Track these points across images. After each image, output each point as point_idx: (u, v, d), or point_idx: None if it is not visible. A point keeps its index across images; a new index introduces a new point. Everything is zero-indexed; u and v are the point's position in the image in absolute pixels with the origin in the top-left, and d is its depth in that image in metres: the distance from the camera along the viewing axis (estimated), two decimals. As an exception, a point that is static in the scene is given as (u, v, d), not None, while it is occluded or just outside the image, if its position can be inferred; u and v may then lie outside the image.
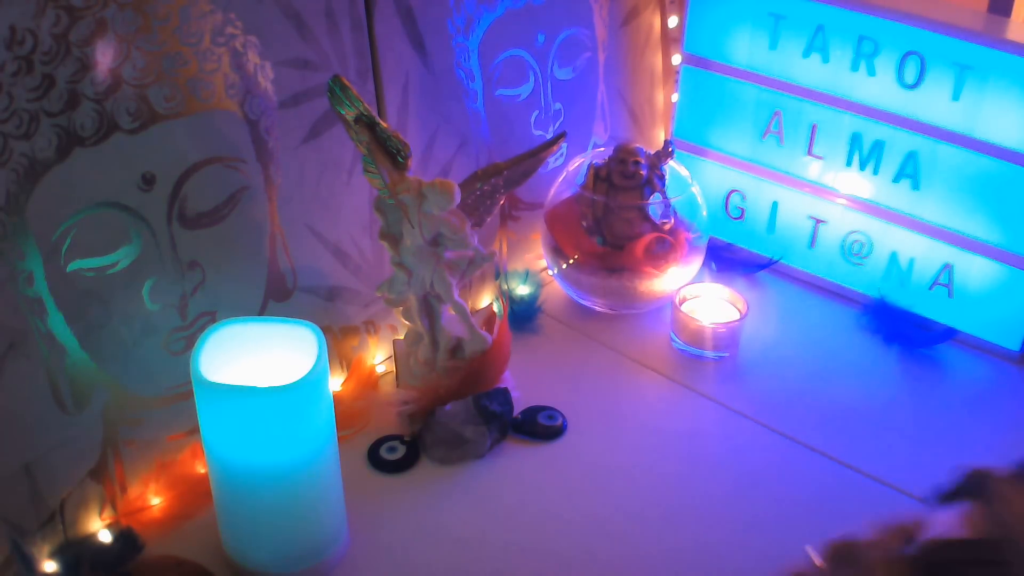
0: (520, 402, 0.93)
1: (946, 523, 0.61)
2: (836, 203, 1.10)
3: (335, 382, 0.95)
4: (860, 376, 1.01)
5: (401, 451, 0.89)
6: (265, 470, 0.71)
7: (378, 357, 1.00)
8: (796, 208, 1.14)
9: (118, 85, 0.71)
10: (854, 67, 1.04)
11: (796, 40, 1.07)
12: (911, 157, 1.03)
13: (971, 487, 0.61)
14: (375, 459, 0.88)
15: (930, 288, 1.06)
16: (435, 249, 0.86)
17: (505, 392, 0.92)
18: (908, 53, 0.99)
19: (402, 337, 0.97)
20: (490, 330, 0.93)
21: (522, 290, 1.10)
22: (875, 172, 1.06)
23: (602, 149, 1.10)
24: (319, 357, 0.70)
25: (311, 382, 0.69)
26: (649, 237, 1.05)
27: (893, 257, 1.08)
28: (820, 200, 1.12)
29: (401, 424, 0.92)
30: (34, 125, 0.67)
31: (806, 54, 1.07)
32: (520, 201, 1.12)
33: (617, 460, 0.90)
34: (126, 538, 0.75)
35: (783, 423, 0.94)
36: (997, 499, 0.61)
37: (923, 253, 1.05)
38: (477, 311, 1.05)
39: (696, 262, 1.09)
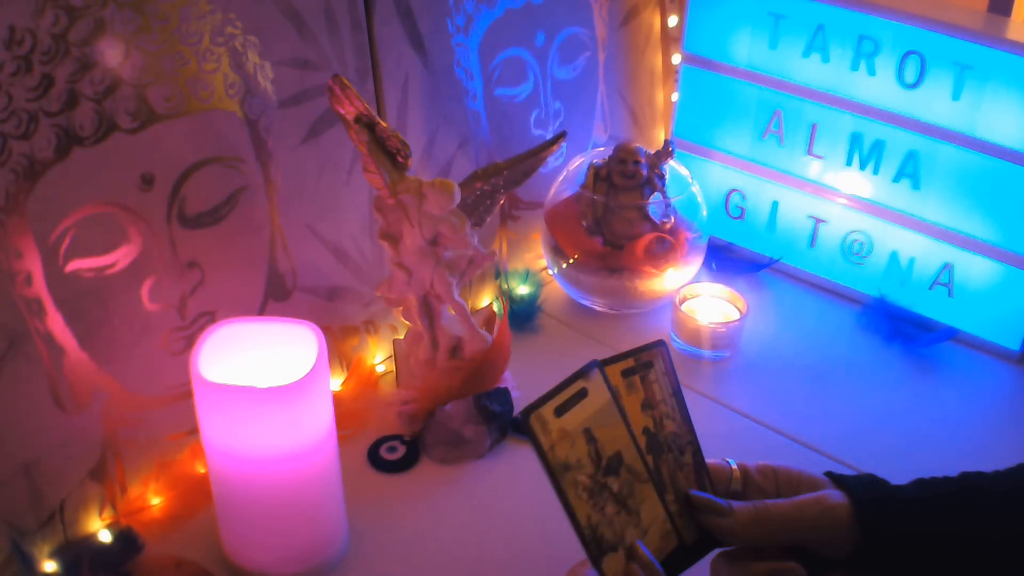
0: (520, 402, 0.93)
1: None
2: (836, 203, 1.10)
3: (335, 382, 0.95)
4: (860, 376, 1.01)
5: (401, 451, 0.89)
6: (265, 470, 0.70)
7: (378, 357, 1.00)
8: (796, 208, 1.14)
9: (117, 85, 0.71)
10: (854, 67, 1.04)
11: (796, 40, 1.07)
12: (911, 157, 1.03)
13: None
14: (375, 459, 0.88)
15: (930, 288, 1.06)
16: (435, 249, 0.86)
17: (505, 392, 0.92)
18: (908, 53, 0.99)
19: (402, 337, 0.97)
20: (490, 330, 0.93)
21: (522, 290, 1.10)
22: (875, 172, 1.06)
23: (602, 149, 1.10)
24: (319, 357, 0.70)
25: (311, 382, 0.69)
26: (649, 237, 1.05)
27: (893, 257, 1.08)
28: (820, 200, 1.12)
29: (401, 424, 0.92)
30: (33, 125, 0.67)
31: (806, 54, 1.07)
32: (520, 201, 1.12)
33: (617, 460, 0.89)
34: (126, 538, 0.75)
35: (783, 423, 0.94)
36: None
37: (923, 253, 1.05)
38: (477, 311, 1.05)
39: (696, 262, 1.09)
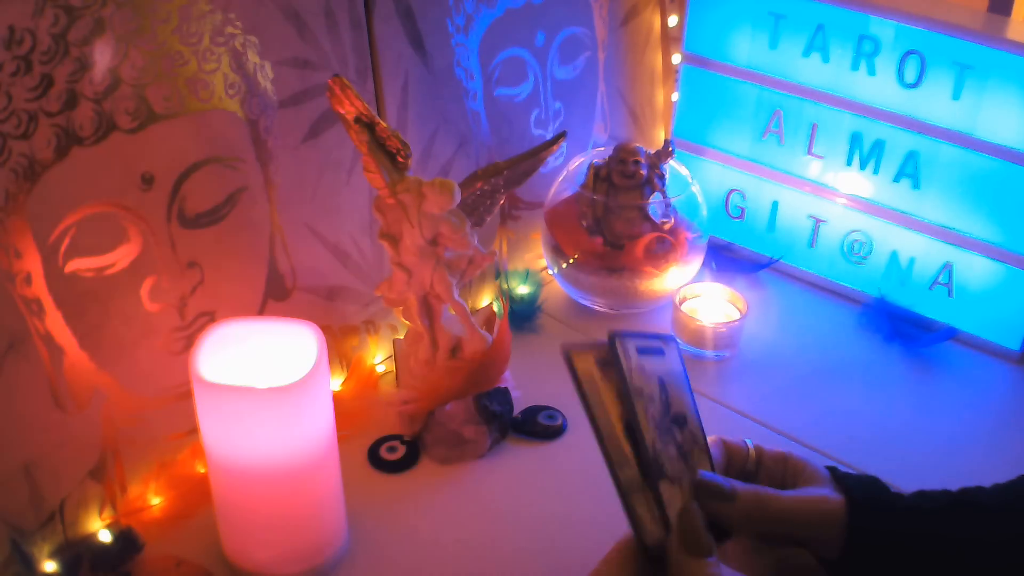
0: (520, 402, 0.93)
1: None
2: (836, 202, 1.10)
3: (335, 382, 0.95)
4: (860, 376, 1.01)
5: (401, 451, 0.89)
6: (265, 470, 0.70)
7: (378, 357, 1.00)
8: (796, 207, 1.14)
9: (117, 85, 0.71)
10: (854, 66, 1.04)
11: (796, 39, 1.07)
12: (911, 156, 1.03)
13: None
14: (375, 459, 0.88)
15: (930, 287, 1.06)
16: (435, 249, 0.86)
17: (505, 392, 0.92)
18: (908, 52, 0.99)
19: (402, 337, 0.97)
20: (490, 330, 0.93)
21: (522, 290, 1.10)
22: (875, 171, 1.06)
23: (602, 149, 1.10)
24: (319, 357, 0.70)
25: (311, 382, 0.69)
26: (649, 237, 1.05)
27: (893, 256, 1.08)
28: (820, 199, 1.12)
29: (401, 424, 0.92)
30: (33, 125, 0.67)
31: (806, 53, 1.07)
32: (520, 201, 1.12)
33: (617, 460, 0.89)
34: (126, 538, 0.75)
35: (783, 423, 0.94)
36: None
37: (923, 252, 1.05)
38: (477, 311, 1.05)
39: (696, 262, 1.09)
